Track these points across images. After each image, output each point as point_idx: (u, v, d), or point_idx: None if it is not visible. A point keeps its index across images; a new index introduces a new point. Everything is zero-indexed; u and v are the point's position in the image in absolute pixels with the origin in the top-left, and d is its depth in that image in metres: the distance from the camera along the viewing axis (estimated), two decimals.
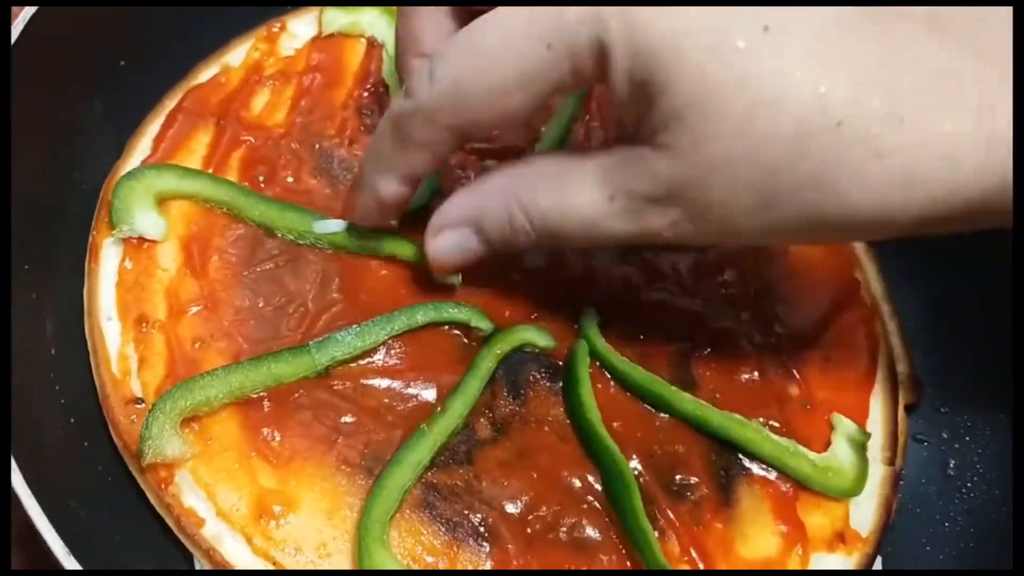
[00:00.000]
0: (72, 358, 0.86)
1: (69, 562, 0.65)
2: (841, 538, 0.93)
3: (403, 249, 0.96)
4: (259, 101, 1.05)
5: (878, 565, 0.95)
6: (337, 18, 1.11)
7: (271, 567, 0.78)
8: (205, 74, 1.06)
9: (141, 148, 0.99)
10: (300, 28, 1.12)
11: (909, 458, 1.03)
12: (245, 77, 1.06)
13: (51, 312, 0.86)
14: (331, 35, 1.11)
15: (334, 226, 0.95)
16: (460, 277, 0.95)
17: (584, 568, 0.84)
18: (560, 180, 0.76)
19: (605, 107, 1.16)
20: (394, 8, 1.10)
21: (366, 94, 1.08)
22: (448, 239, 0.85)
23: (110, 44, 1.00)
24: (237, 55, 1.08)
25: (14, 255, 0.83)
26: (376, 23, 1.11)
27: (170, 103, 1.03)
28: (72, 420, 0.82)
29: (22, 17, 0.87)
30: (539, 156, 0.80)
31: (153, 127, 1.01)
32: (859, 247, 1.16)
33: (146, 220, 0.91)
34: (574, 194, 0.74)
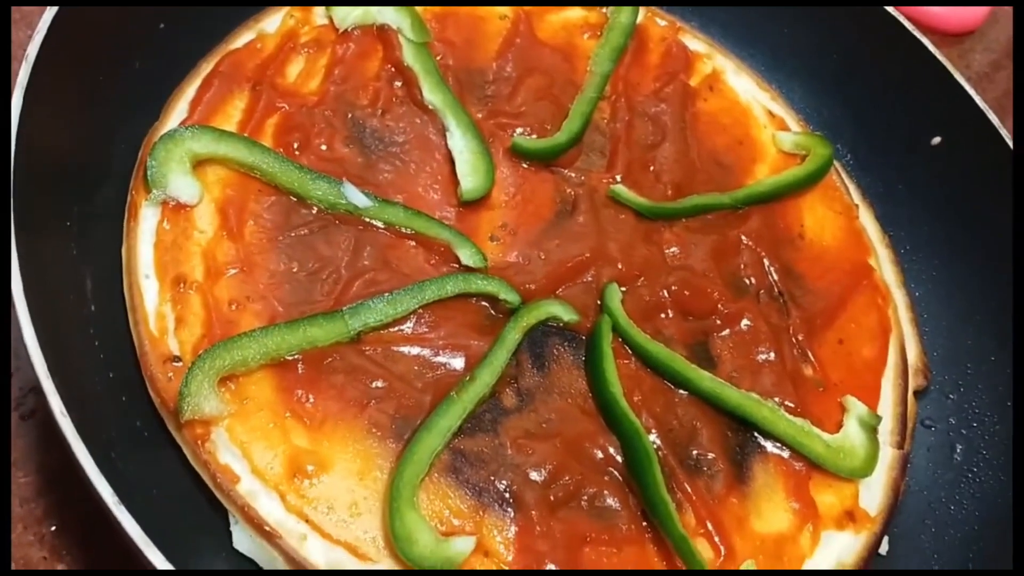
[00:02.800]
0: (111, 314, 0.87)
1: (119, 511, 0.67)
2: (851, 517, 0.96)
3: (431, 228, 0.98)
4: (294, 68, 1.06)
5: (885, 545, 0.98)
6: (348, 13, 1.10)
7: (304, 524, 0.80)
8: (241, 39, 1.07)
9: (178, 111, 1.00)
10: None
11: (916, 442, 1.06)
12: (280, 44, 1.07)
13: (90, 268, 0.87)
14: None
15: (363, 199, 0.96)
16: (486, 256, 0.97)
17: (604, 536, 0.86)
18: None
19: (631, 88, 1.18)
20: None
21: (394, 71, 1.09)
22: None
23: (150, 7, 1.01)
24: (272, 22, 1.09)
25: (55, 211, 0.85)
26: (385, 11, 1.11)
27: (206, 67, 1.04)
28: (111, 375, 0.84)
29: None
30: None
31: (189, 91, 1.02)
32: (874, 235, 1.18)
33: (181, 184, 0.93)
34: None
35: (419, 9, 1.13)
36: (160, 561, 0.66)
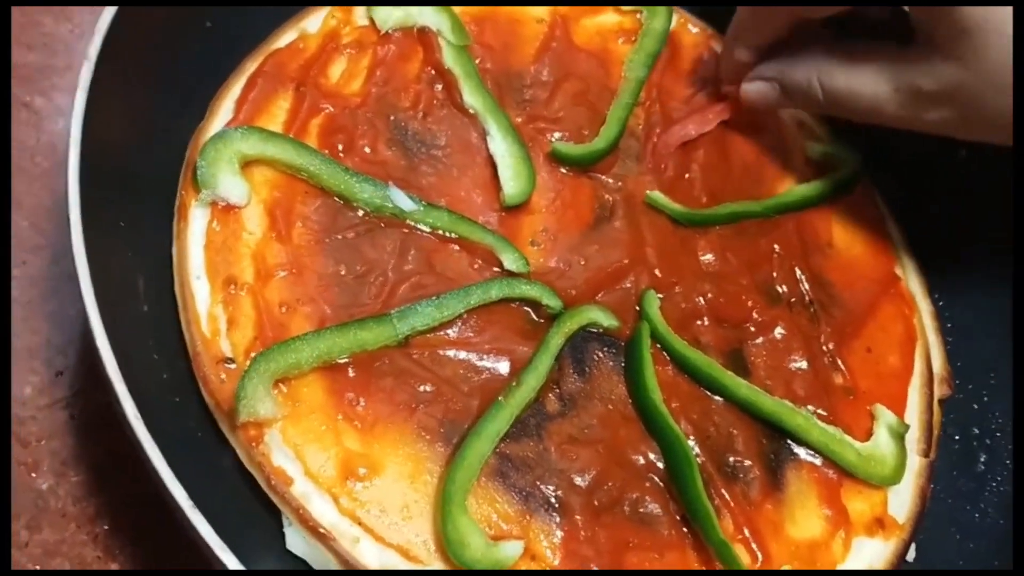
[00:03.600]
0: (163, 316, 0.88)
1: (194, 514, 0.68)
2: (880, 524, 0.98)
3: (475, 233, 0.99)
4: (336, 69, 1.07)
5: (912, 552, 1.00)
6: (389, 15, 1.11)
7: (357, 527, 0.81)
8: (283, 39, 1.07)
9: (224, 110, 1.00)
10: None
11: (941, 450, 1.08)
12: (322, 44, 1.07)
13: (142, 269, 0.88)
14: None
15: (409, 203, 0.97)
16: (528, 261, 0.99)
17: (647, 542, 0.88)
18: (855, 68, 0.99)
19: (664, 93, 1.19)
20: None
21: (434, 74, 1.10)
22: (759, 86, 1.10)
23: (196, 7, 1.01)
24: (314, 21, 1.09)
25: (109, 212, 0.85)
26: (425, 12, 1.11)
27: (251, 66, 1.04)
28: (165, 376, 0.85)
29: None
30: (839, 44, 1.02)
31: (235, 90, 1.02)
32: (900, 244, 1.20)
33: (230, 184, 0.93)
34: (864, 82, 0.98)
35: (457, 11, 1.13)
36: (233, 562, 0.67)
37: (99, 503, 0.87)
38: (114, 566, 0.84)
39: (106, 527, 0.86)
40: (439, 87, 1.09)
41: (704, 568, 0.89)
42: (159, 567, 0.85)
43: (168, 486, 0.68)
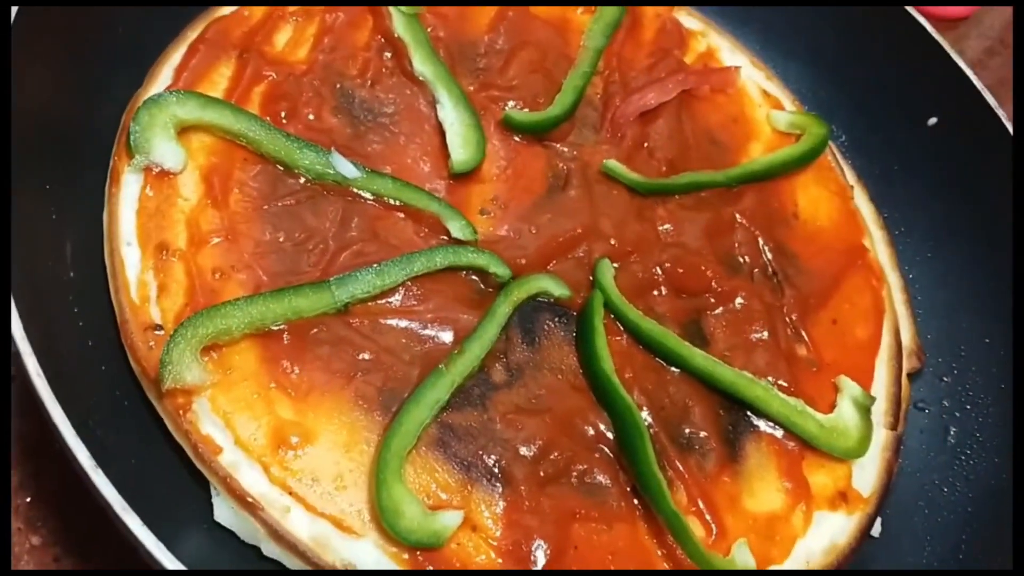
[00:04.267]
0: (91, 282, 0.85)
1: (97, 475, 0.65)
2: (844, 497, 0.95)
3: (420, 200, 0.96)
4: (282, 37, 1.04)
5: (877, 527, 0.97)
6: None
7: (288, 496, 0.78)
8: (228, 7, 1.04)
9: (163, 77, 0.98)
10: None
11: (910, 424, 1.05)
12: (268, 12, 1.05)
13: (71, 234, 0.85)
14: None
15: (352, 170, 0.94)
16: (476, 229, 0.96)
17: (594, 512, 0.85)
18: None
19: (624, 63, 1.16)
20: None
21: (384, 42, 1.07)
22: None
23: None
24: None
25: (36, 175, 0.83)
26: None
27: (192, 33, 1.01)
28: (90, 343, 0.82)
29: None
30: None
31: (175, 56, 0.99)
32: (868, 216, 1.17)
33: (165, 150, 0.90)
34: None
35: None
36: (136, 524, 0.64)
37: (22, 475, 0.84)
38: (35, 539, 0.82)
39: (28, 499, 0.83)
40: (388, 55, 1.06)
41: (656, 544, 0.86)
42: (80, 540, 0.82)
43: (71, 447, 0.65)
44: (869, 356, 1.05)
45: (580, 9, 1.19)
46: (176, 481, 0.81)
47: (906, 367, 1.07)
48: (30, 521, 0.82)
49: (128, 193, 0.89)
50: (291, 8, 1.06)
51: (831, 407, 0.99)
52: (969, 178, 1.14)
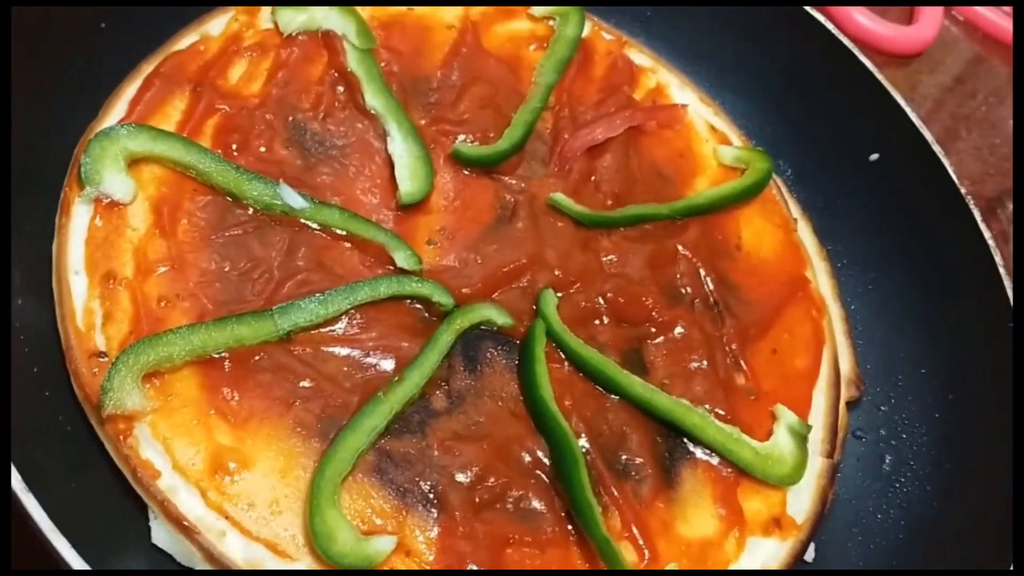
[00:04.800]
0: (37, 309, 0.87)
1: (27, 498, 0.67)
2: (777, 524, 0.97)
3: (367, 231, 0.98)
4: (236, 71, 1.07)
5: (811, 552, 0.99)
6: (293, 18, 1.11)
7: (224, 521, 0.80)
8: (184, 41, 1.07)
9: (117, 110, 1.00)
10: None
11: (847, 452, 1.07)
12: (224, 47, 1.08)
13: (19, 263, 0.87)
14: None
15: (299, 201, 0.97)
16: (421, 260, 0.98)
17: (528, 538, 0.87)
18: None
19: (574, 99, 1.19)
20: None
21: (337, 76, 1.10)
22: None
23: (92, 7, 1.01)
24: (217, 24, 1.10)
25: None
26: (329, 17, 1.12)
27: (148, 68, 1.04)
28: (35, 370, 0.84)
29: None
30: None
31: (130, 90, 1.02)
32: (812, 248, 1.20)
33: (115, 181, 0.93)
34: None
35: (366, 17, 1.14)
36: (65, 548, 0.66)
37: None
38: None
39: None
40: (341, 89, 1.09)
41: (588, 568, 0.87)
42: (18, 567, 0.83)
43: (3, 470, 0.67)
44: (807, 385, 1.07)
45: (532, 46, 1.22)
46: (116, 505, 0.82)
47: (845, 396, 1.09)
48: None
49: (78, 223, 0.91)
50: (246, 43, 1.09)
51: (768, 435, 1.01)
52: (908, 212, 1.18)
